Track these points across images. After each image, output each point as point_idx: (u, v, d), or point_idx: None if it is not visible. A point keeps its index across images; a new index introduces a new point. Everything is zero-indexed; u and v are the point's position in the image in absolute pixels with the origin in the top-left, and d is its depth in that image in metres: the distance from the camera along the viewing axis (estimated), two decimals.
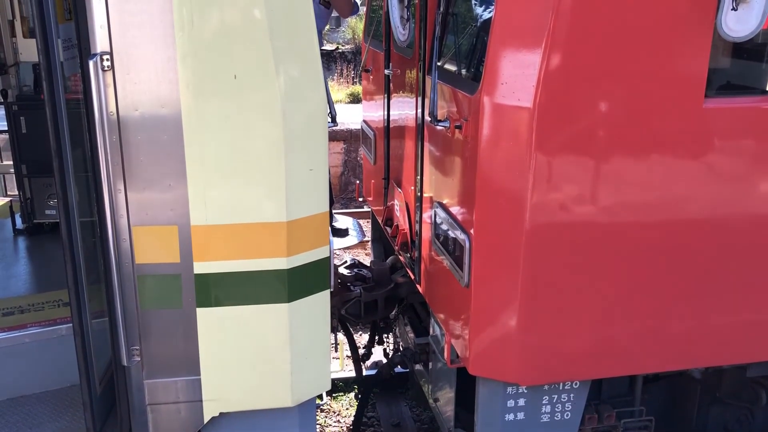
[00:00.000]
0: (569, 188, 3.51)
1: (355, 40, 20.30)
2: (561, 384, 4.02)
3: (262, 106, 3.28)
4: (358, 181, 7.04)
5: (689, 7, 3.37)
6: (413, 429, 6.12)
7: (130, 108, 3.25)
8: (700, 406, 4.76)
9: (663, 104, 3.48)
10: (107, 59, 3.17)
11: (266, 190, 3.38)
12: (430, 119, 3.88)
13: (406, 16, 4.54)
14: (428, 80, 4.03)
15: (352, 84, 18.20)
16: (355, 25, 20.18)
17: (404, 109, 4.97)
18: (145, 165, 3.32)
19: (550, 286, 3.63)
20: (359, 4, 6.95)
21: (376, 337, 6.28)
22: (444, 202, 4.10)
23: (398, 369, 6.04)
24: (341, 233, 7.50)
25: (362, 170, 7.47)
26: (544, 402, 4.03)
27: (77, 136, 3.43)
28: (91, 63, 3.11)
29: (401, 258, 5.20)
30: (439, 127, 4.00)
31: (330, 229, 3.81)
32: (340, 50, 20.30)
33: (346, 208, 11.98)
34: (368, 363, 6.68)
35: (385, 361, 6.29)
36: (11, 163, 5.92)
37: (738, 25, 3.29)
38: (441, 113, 4.02)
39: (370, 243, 7.30)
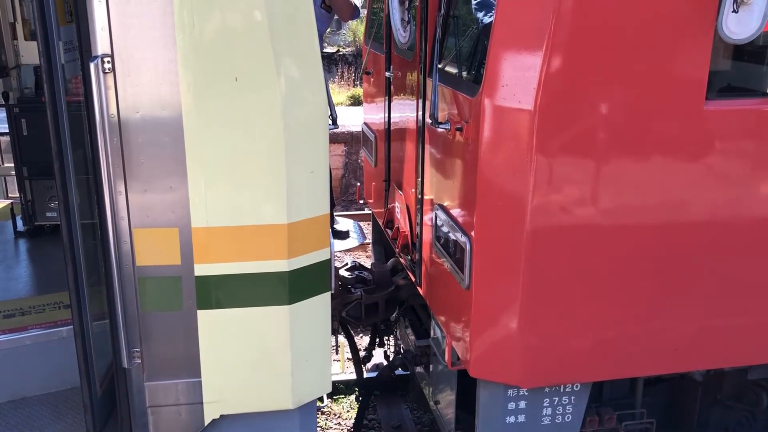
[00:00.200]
0: (570, 190, 3.51)
1: (356, 43, 20.31)
2: (562, 386, 4.01)
3: (263, 109, 3.28)
4: (358, 184, 7.03)
5: (690, 9, 3.37)
6: (414, 431, 6.11)
7: (131, 110, 3.25)
8: (701, 409, 4.75)
9: (664, 106, 3.48)
10: (108, 61, 3.17)
11: (267, 192, 3.38)
12: (430, 121, 3.87)
13: (406, 19, 4.54)
14: (429, 82, 4.03)
15: (353, 86, 18.21)
16: (356, 28, 20.18)
17: (405, 112, 4.97)
18: (145, 167, 3.32)
19: (551, 288, 3.62)
20: (360, 8, 6.94)
21: (377, 340, 6.26)
22: (445, 204, 4.10)
23: (399, 371, 6.04)
24: (342, 235, 7.51)
25: (363, 172, 7.47)
26: (545, 404, 4.02)
27: (78, 138, 3.44)
28: (92, 65, 3.11)
29: (402, 260, 5.19)
30: (439, 130, 4.00)
31: (331, 231, 3.81)
32: (341, 53, 20.31)
33: (347, 210, 11.97)
34: (369, 365, 6.66)
35: (385, 363, 6.28)
36: (12, 165, 5.91)
37: (739, 27, 3.28)
38: (442, 115, 4.01)
39: (370, 245, 7.29)
